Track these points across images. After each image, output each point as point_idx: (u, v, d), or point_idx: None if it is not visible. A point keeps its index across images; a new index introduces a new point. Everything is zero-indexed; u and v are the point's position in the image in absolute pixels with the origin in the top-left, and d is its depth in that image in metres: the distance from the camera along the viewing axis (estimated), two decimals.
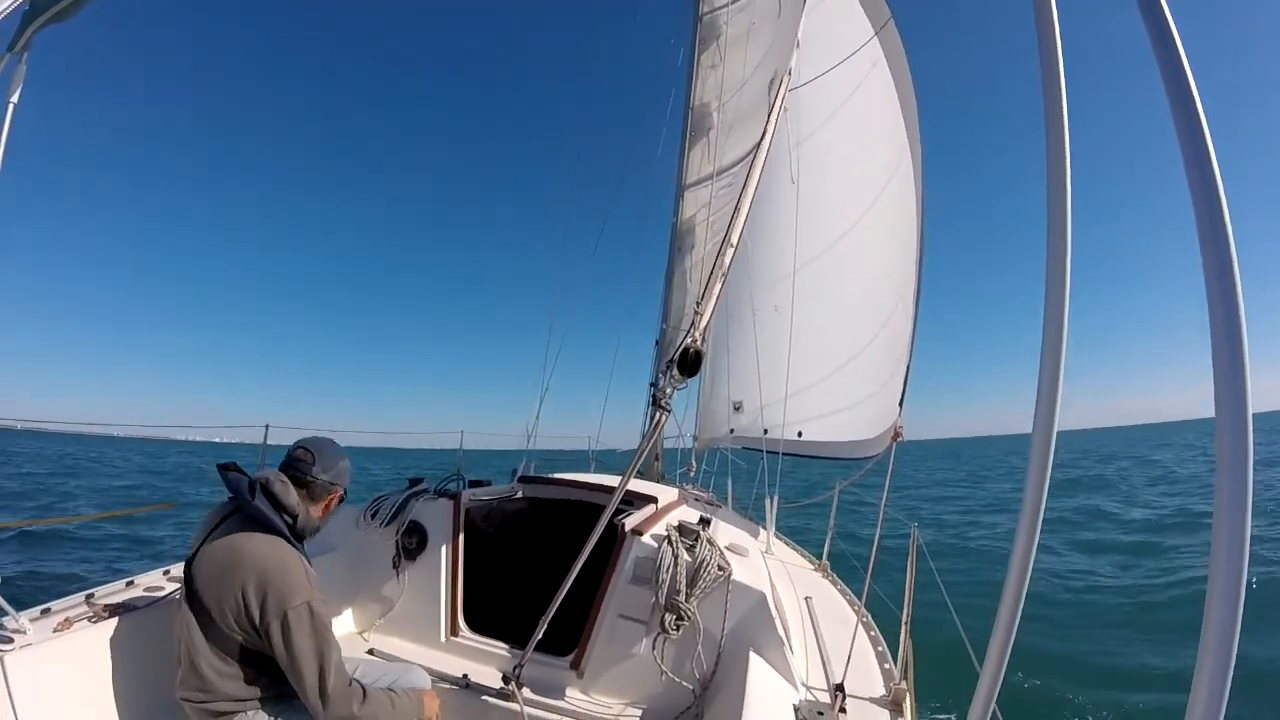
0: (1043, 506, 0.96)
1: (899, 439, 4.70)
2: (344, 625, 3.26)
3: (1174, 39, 0.85)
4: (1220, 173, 0.79)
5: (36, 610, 2.53)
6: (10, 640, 2.22)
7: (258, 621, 1.83)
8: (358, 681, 1.96)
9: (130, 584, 2.93)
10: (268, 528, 1.95)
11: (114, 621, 2.46)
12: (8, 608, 2.27)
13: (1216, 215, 0.77)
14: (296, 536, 2.03)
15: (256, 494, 1.99)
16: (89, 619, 2.45)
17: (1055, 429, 0.94)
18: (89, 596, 2.73)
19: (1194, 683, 0.74)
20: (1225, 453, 0.74)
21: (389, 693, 2.05)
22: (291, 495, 2.02)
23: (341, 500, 2.24)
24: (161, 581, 2.97)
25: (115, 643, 2.40)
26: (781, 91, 2.98)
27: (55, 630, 2.34)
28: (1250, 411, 0.74)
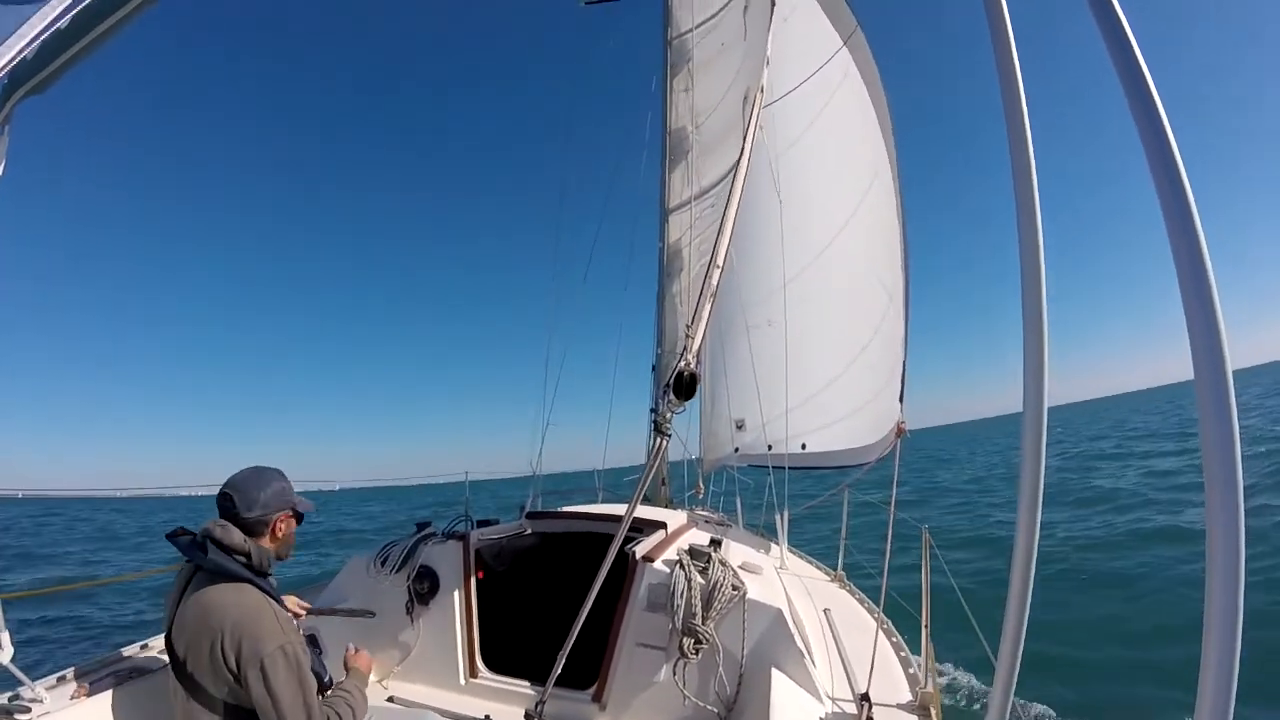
0: (1040, 488, 0.96)
1: (903, 434, 4.69)
2: None
3: (1122, 23, 0.87)
4: (1180, 154, 0.80)
5: (53, 679, 2.52)
6: (28, 710, 2.21)
7: (237, 673, 1.82)
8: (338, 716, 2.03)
9: (144, 647, 2.92)
10: (228, 575, 1.94)
11: (130, 686, 2.46)
12: (23, 678, 2.27)
13: (1180, 196, 0.79)
14: (258, 573, 2.01)
15: (208, 547, 1.97)
16: (105, 685, 2.44)
17: (1045, 409, 0.95)
18: (104, 662, 2.72)
19: (1201, 664, 0.74)
20: (1208, 420, 0.74)
21: None
22: (234, 535, 1.99)
23: (298, 519, 2.20)
24: None
25: (132, 707, 2.39)
26: (755, 109, 3.02)
27: (72, 698, 2.34)
28: (1230, 374, 0.74)
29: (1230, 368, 0.74)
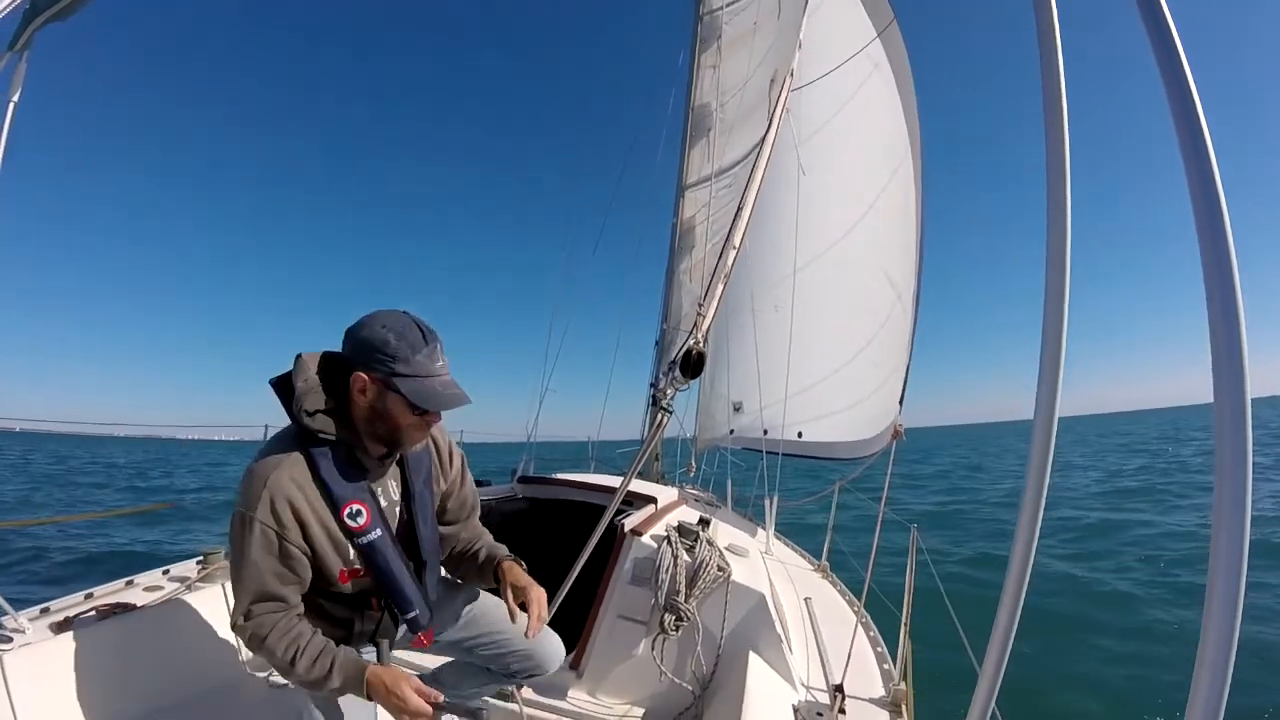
0: (1043, 498, 0.95)
1: (899, 437, 4.69)
2: None
3: (1171, 33, 0.85)
4: (1218, 166, 0.79)
5: (35, 609, 2.53)
6: (9, 639, 2.22)
7: None
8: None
9: (130, 583, 2.93)
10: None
11: (114, 621, 2.46)
12: (7, 607, 2.28)
13: (1214, 208, 0.77)
14: (299, 410, 1.60)
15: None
16: (89, 618, 2.45)
17: (1055, 419, 0.94)
18: (88, 595, 2.73)
19: (1194, 679, 0.73)
20: (1224, 440, 0.73)
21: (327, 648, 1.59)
22: (305, 370, 1.64)
23: (387, 387, 1.58)
24: (161, 581, 2.97)
25: (115, 642, 2.40)
26: (784, 92, 2.97)
27: (55, 629, 2.35)
28: (1249, 399, 0.73)
29: (1249, 386, 0.73)
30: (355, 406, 1.63)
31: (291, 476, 1.57)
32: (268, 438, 1.71)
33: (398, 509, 1.79)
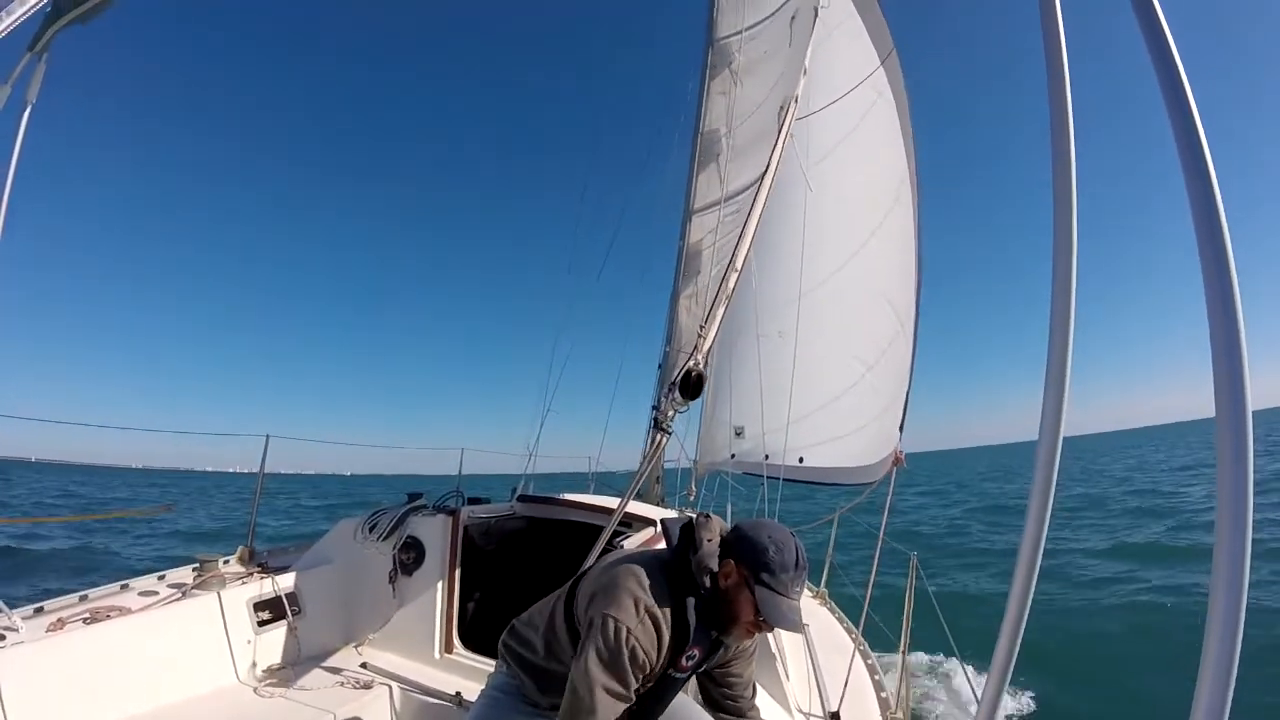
0: (1048, 515, 0.95)
1: (900, 464, 4.66)
2: (337, 638, 3.25)
3: (1168, 42, 0.86)
4: (1217, 175, 0.79)
5: (29, 608, 2.53)
6: (2, 637, 2.22)
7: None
8: None
9: (125, 587, 2.93)
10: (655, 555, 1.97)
11: (107, 624, 2.46)
12: (0, 604, 2.28)
13: (1214, 218, 0.78)
14: (684, 577, 1.87)
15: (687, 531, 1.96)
16: (82, 620, 2.45)
17: (1062, 431, 0.93)
18: (83, 597, 2.73)
19: (1196, 689, 0.73)
20: (1225, 451, 0.73)
21: None
22: (711, 531, 1.90)
23: (746, 584, 1.81)
24: (156, 586, 2.97)
25: (108, 645, 2.40)
26: (788, 119, 3.01)
27: (48, 630, 2.34)
28: (1249, 410, 0.73)
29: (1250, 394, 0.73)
30: (719, 584, 1.84)
31: (664, 610, 1.78)
32: (645, 561, 1.92)
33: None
